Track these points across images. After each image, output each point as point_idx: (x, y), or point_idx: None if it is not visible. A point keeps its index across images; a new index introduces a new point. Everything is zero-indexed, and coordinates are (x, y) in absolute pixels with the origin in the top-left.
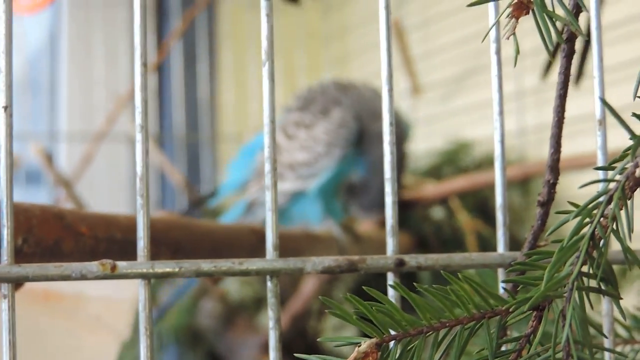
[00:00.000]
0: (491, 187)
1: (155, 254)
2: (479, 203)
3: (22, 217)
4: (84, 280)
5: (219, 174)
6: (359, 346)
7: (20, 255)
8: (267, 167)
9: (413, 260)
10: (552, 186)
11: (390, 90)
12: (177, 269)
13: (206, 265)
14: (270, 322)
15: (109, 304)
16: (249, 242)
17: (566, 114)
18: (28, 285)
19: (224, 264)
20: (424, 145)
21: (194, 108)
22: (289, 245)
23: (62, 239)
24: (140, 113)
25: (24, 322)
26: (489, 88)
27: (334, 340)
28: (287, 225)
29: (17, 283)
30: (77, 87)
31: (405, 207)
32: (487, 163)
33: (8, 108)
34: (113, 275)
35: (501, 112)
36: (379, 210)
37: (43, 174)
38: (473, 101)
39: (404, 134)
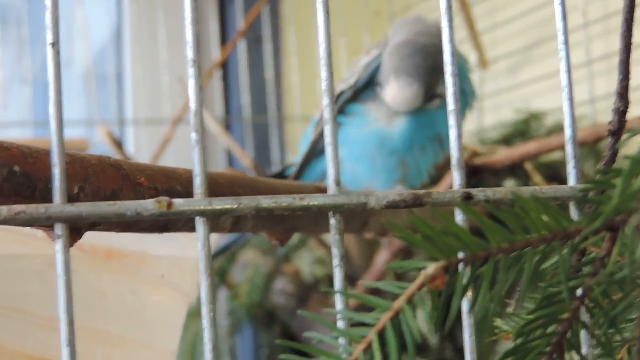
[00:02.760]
0: (564, 150)
1: None
2: (552, 172)
3: (78, 165)
4: (139, 218)
5: (288, 156)
6: (426, 270)
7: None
8: (326, 100)
9: (481, 194)
10: (622, 114)
11: (451, 21)
12: (236, 206)
13: (266, 201)
14: (335, 260)
15: (173, 263)
16: None
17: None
18: (90, 243)
19: (285, 200)
20: (493, 118)
21: (260, 90)
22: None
23: (120, 189)
24: (192, 48)
25: (86, 281)
26: (557, 58)
27: (400, 266)
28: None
29: (75, 230)
30: (142, 73)
31: (476, 174)
32: (558, 133)
33: (55, 45)
34: (170, 213)
35: (566, 42)
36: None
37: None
38: (541, 72)
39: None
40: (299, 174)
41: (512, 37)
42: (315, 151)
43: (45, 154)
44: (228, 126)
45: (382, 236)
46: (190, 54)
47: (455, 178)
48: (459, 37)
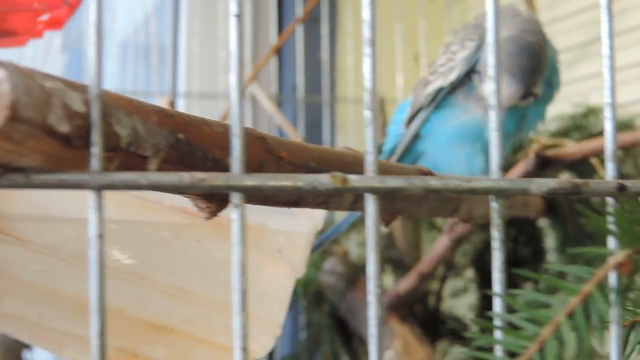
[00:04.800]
0: (633, 147)
1: None
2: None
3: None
4: (314, 191)
5: (338, 136)
6: (613, 257)
7: None
8: (491, 86)
9: (635, 186)
10: None
11: None
12: (407, 184)
13: (435, 182)
14: (495, 243)
15: (289, 237)
16: None
17: None
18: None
19: (452, 182)
20: (550, 110)
21: (314, 70)
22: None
23: (265, 162)
24: (369, 28)
25: (208, 250)
26: (617, 54)
27: (585, 251)
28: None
29: (222, 200)
30: (197, 47)
31: (544, 165)
32: (622, 129)
33: (240, 16)
34: (344, 188)
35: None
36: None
37: None
38: (598, 69)
39: (547, 46)
40: (398, 156)
41: (571, 32)
42: (410, 135)
43: (203, 123)
44: (279, 104)
45: (466, 222)
46: (366, 32)
47: (609, 169)
48: None
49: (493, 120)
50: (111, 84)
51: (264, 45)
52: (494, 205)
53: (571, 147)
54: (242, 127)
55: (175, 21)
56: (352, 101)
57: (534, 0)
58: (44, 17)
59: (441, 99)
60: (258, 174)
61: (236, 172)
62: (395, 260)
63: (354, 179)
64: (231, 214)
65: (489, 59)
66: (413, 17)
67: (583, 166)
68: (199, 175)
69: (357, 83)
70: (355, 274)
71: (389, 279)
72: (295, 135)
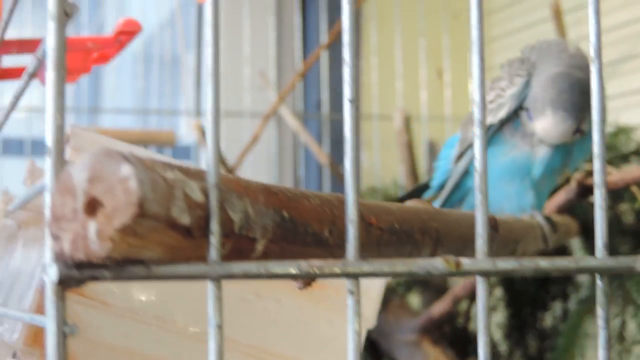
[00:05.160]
0: None
1: (421, 242)
2: None
3: (327, 207)
4: (427, 276)
5: (363, 153)
6: None
7: (326, 247)
8: (597, 164)
9: None
10: None
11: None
12: (517, 266)
13: (544, 263)
14: (600, 321)
15: (364, 292)
16: None
17: None
18: None
19: (561, 263)
20: None
21: (339, 86)
22: (508, 235)
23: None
24: (479, 109)
25: (290, 310)
26: None
27: None
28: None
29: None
30: (222, 64)
31: (585, 193)
32: None
33: (354, 101)
34: (457, 272)
35: None
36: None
37: (192, 150)
38: (629, 87)
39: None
40: (445, 199)
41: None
42: (460, 171)
43: (302, 197)
44: (305, 121)
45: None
46: (477, 114)
47: None
48: None
49: (598, 197)
50: (132, 100)
51: (289, 63)
52: (600, 284)
53: (614, 176)
54: (358, 212)
55: (198, 38)
56: (377, 118)
57: (562, 17)
58: (95, 55)
59: (490, 135)
60: (373, 261)
61: (351, 259)
62: (422, 279)
63: (466, 263)
64: (347, 300)
65: (595, 136)
66: (436, 33)
67: (618, 190)
68: (316, 263)
69: (381, 100)
70: (385, 295)
71: (415, 299)
72: (320, 152)
